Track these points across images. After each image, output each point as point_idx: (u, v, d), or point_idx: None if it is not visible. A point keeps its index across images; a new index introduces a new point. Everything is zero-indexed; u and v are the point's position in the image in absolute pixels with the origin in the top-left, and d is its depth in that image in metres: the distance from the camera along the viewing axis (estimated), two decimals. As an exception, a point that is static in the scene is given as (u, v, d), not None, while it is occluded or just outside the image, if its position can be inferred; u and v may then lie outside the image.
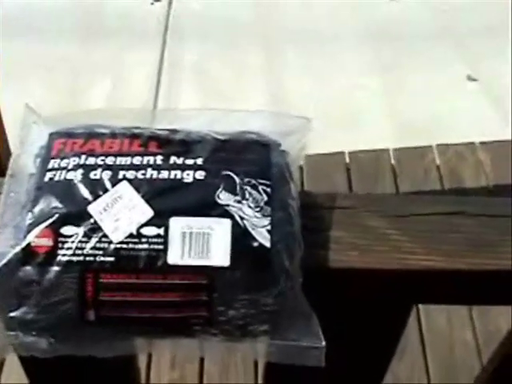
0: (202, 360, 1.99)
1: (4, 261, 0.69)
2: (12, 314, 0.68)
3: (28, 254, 0.68)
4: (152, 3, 3.45)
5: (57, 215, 0.69)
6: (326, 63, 3.09)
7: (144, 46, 3.19)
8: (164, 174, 0.71)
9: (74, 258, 0.67)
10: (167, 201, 0.69)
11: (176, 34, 3.29)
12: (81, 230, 0.68)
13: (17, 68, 2.89)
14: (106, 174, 0.71)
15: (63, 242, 0.68)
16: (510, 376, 0.98)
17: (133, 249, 0.67)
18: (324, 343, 0.69)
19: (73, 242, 0.68)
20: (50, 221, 0.69)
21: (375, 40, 3.21)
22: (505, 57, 2.90)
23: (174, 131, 0.76)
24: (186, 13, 3.41)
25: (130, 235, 0.67)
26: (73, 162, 0.72)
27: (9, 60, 2.70)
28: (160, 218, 0.68)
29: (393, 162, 2.47)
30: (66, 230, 0.68)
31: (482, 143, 2.52)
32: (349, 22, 3.30)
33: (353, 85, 3.00)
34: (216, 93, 2.88)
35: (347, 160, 2.49)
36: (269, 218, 0.69)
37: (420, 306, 2.08)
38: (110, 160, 0.72)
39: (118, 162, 0.72)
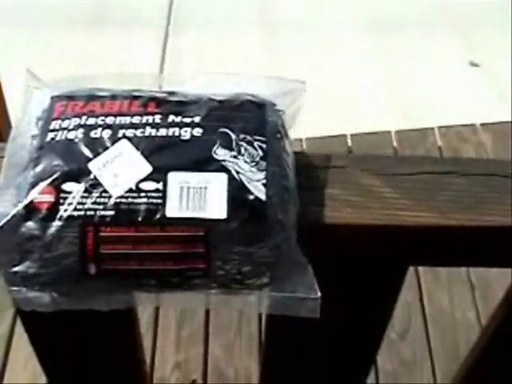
0: (206, 342, 2.01)
1: (7, 218, 0.71)
2: (15, 269, 0.70)
3: (30, 210, 0.70)
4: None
5: (58, 172, 0.71)
6: (327, 49, 3.10)
7: (147, 34, 3.21)
8: (162, 132, 0.73)
9: (75, 213, 0.69)
10: (165, 157, 0.71)
11: (179, 21, 3.30)
12: (81, 186, 0.70)
13: (21, 54, 2.91)
14: (106, 133, 0.73)
15: (64, 198, 0.70)
16: (507, 339, 0.99)
17: (132, 203, 0.69)
18: (319, 294, 0.70)
19: (74, 197, 0.69)
20: (52, 178, 0.71)
21: (377, 27, 3.22)
22: (506, 42, 2.92)
23: (172, 93, 0.78)
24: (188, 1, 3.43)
25: (130, 190, 0.69)
26: (74, 122, 0.74)
27: (14, 46, 2.72)
28: (158, 174, 0.70)
29: (395, 144, 2.49)
30: (68, 186, 0.70)
31: (483, 124, 2.54)
32: (350, 10, 3.31)
33: (354, 70, 3.02)
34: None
35: (349, 143, 2.51)
36: (264, 173, 0.71)
37: (422, 285, 2.10)
38: (109, 120, 0.74)
39: (117, 122, 0.74)
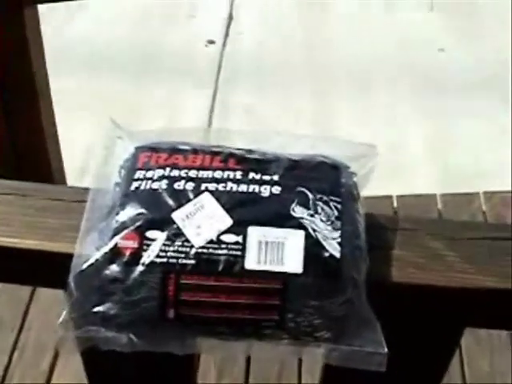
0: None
1: (91, 261, 0.75)
2: (96, 309, 0.74)
3: (115, 253, 0.74)
4: (206, 45, 3.53)
5: (142, 220, 0.75)
6: (375, 110, 3.15)
7: (197, 87, 3.27)
8: (243, 188, 0.77)
9: (158, 260, 0.73)
10: (246, 212, 0.75)
11: (228, 76, 3.36)
12: (164, 235, 0.74)
13: (74, 104, 2.98)
14: (189, 186, 0.77)
15: (148, 245, 0.74)
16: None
17: (213, 253, 0.73)
18: (386, 350, 0.73)
19: (157, 245, 0.73)
20: (136, 225, 0.75)
21: (423, 89, 3.26)
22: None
23: (251, 151, 0.82)
24: (238, 55, 3.49)
25: (211, 241, 0.73)
26: (158, 173, 0.79)
27: (66, 96, 2.78)
28: (239, 227, 0.74)
29: (439, 206, 2.51)
30: (151, 233, 0.74)
31: (528, 190, 2.55)
32: (398, 71, 3.36)
33: (401, 132, 3.05)
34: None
35: (395, 204, 2.53)
36: (339, 231, 0.74)
37: (463, 349, 2.10)
38: (192, 173, 0.78)
39: (200, 175, 0.78)
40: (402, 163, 2.91)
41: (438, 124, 3.13)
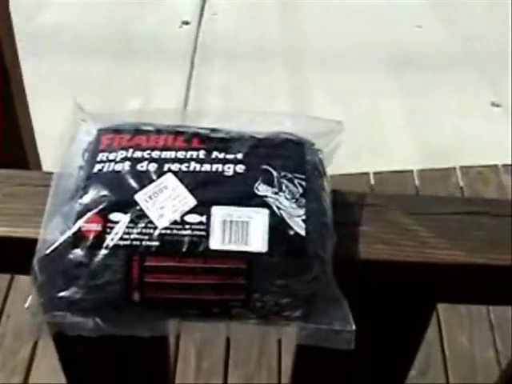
0: (225, 374, 2.02)
1: (55, 245, 0.74)
2: (61, 294, 0.73)
3: (78, 237, 0.73)
4: (181, 26, 3.51)
5: (105, 202, 0.74)
6: (351, 86, 3.14)
7: (173, 67, 3.25)
8: (206, 167, 0.76)
9: (121, 242, 0.72)
10: (209, 191, 0.74)
11: (204, 56, 3.35)
12: (128, 217, 0.73)
13: (46, 86, 2.95)
14: (152, 167, 0.76)
15: (111, 228, 0.72)
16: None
17: (176, 234, 0.72)
18: (354, 327, 0.73)
19: (120, 227, 0.72)
20: (99, 208, 0.74)
21: (400, 65, 3.26)
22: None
23: (215, 130, 0.81)
24: (213, 35, 3.47)
25: (174, 222, 0.72)
26: (120, 155, 0.77)
27: (38, 78, 2.75)
28: (202, 207, 0.73)
29: (417, 183, 2.51)
30: (114, 216, 0.73)
31: (505, 165, 2.55)
32: (375, 47, 3.35)
33: (378, 108, 3.04)
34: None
35: (372, 181, 2.53)
36: (304, 209, 0.74)
37: (442, 324, 2.11)
38: (155, 154, 0.77)
39: (163, 156, 0.77)
40: (379, 139, 2.90)
41: (414, 100, 3.12)
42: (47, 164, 2.08)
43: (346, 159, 2.59)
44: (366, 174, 2.56)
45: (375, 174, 2.56)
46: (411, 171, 2.57)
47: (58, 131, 0.86)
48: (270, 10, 3.62)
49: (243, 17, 3.59)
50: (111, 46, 3.38)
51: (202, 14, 3.60)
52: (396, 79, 3.20)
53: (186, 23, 3.54)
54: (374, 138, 2.88)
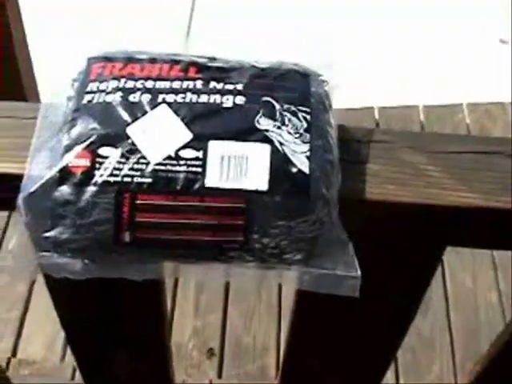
0: (225, 309, 2.00)
1: (40, 182, 0.69)
2: (47, 234, 0.68)
3: (65, 174, 0.67)
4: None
5: (94, 136, 0.68)
6: (355, 28, 3.07)
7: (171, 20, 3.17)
8: (203, 98, 0.70)
9: (111, 179, 0.67)
10: (206, 124, 0.69)
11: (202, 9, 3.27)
12: (118, 151, 0.68)
13: (44, 18, 2.88)
14: (146, 97, 0.71)
15: (100, 163, 0.67)
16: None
17: (171, 171, 0.67)
18: (359, 273, 0.68)
19: (110, 162, 0.67)
20: (88, 142, 0.68)
21: (410, 2, 3.18)
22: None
23: (214, 59, 0.75)
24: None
25: (169, 157, 0.67)
26: (112, 85, 0.72)
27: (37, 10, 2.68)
28: (199, 142, 0.67)
29: (422, 118, 2.46)
30: (104, 150, 0.68)
31: (513, 102, 2.50)
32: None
33: (387, 44, 2.98)
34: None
35: (376, 116, 2.48)
36: (308, 145, 0.68)
37: (445, 265, 2.08)
38: (149, 84, 0.72)
39: (157, 86, 0.71)
40: (384, 75, 2.84)
41: (421, 36, 3.05)
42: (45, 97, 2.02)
43: (352, 93, 2.54)
44: (371, 108, 2.50)
45: (380, 108, 2.50)
46: (417, 107, 2.52)
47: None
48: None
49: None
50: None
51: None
52: (401, 20, 3.13)
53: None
54: (380, 72, 2.82)
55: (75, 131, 0.70)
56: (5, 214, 1.97)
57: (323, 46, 0.80)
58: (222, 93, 0.71)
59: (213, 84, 0.71)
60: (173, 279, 2.04)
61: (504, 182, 0.75)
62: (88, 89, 0.72)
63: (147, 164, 0.67)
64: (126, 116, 0.69)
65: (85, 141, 0.69)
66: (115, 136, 0.68)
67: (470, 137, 0.83)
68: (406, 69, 2.89)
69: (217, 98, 0.70)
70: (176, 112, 0.69)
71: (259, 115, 0.69)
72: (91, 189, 0.67)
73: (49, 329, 1.95)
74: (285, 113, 0.70)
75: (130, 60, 0.74)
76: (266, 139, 0.68)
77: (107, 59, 0.75)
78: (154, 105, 0.70)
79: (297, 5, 3.17)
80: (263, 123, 0.69)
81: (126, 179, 0.67)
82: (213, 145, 0.67)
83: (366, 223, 0.73)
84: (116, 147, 0.68)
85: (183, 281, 2.05)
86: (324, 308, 0.85)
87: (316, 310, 0.87)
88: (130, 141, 0.68)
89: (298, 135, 0.69)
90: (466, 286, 2.09)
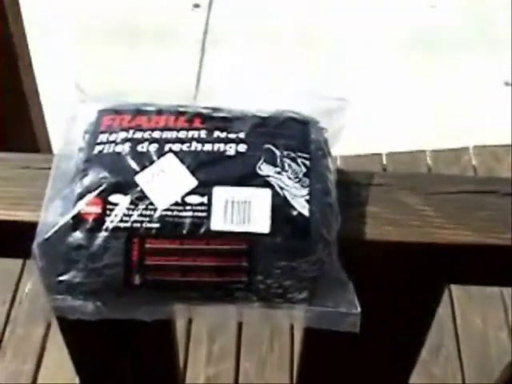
0: (238, 356, 2.02)
1: (54, 229, 0.72)
2: (61, 278, 0.72)
3: (78, 220, 0.71)
4: (192, 9, 3.49)
5: (105, 184, 0.72)
6: (364, 66, 3.12)
7: (184, 50, 3.24)
8: (208, 147, 0.74)
9: (121, 224, 0.70)
10: (211, 172, 0.72)
11: (215, 38, 3.33)
12: (128, 198, 0.71)
13: (59, 64, 2.94)
14: (153, 147, 0.74)
15: (111, 210, 0.71)
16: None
17: (177, 216, 0.70)
18: (359, 310, 0.71)
19: (120, 209, 0.71)
20: (99, 190, 0.72)
21: (414, 45, 3.23)
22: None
23: (217, 109, 0.79)
24: (224, 18, 3.45)
25: (175, 203, 0.71)
26: (121, 136, 0.76)
27: (47, 60, 2.74)
28: (204, 188, 0.71)
29: (429, 162, 2.49)
30: (114, 198, 0.72)
31: (518, 145, 2.53)
32: (389, 28, 3.32)
33: (392, 87, 3.02)
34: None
35: (384, 161, 2.51)
36: (307, 189, 0.72)
37: (455, 304, 2.09)
38: (156, 134, 0.76)
39: (164, 136, 0.75)
40: (392, 119, 2.88)
41: (428, 80, 3.09)
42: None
43: (359, 139, 2.59)
44: (379, 154, 2.54)
45: (388, 154, 2.54)
46: (424, 151, 2.55)
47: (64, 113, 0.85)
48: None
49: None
50: (122, 28, 3.36)
51: (212, -3, 3.58)
52: (408, 59, 3.17)
53: (197, 6, 3.52)
54: (386, 118, 2.86)
55: (87, 180, 0.74)
56: (19, 260, 2.00)
57: (323, 94, 0.84)
58: (226, 141, 0.75)
59: (216, 133, 0.75)
60: (185, 329, 2.06)
61: (499, 219, 0.78)
62: (98, 140, 0.77)
63: (155, 210, 0.71)
64: (134, 165, 0.73)
65: (96, 189, 0.73)
66: (125, 184, 0.72)
67: (465, 177, 0.86)
68: (411, 113, 2.93)
69: (220, 146, 0.74)
70: (182, 160, 0.73)
71: (261, 162, 0.73)
72: (103, 234, 0.71)
73: (62, 382, 1.97)
74: (285, 159, 0.74)
75: (138, 112, 0.78)
76: (268, 184, 0.72)
77: (116, 112, 0.79)
78: (160, 154, 0.74)
79: (298, 55, 3.23)
80: (264, 169, 0.73)
81: (135, 225, 0.70)
82: (217, 191, 0.71)
83: (366, 263, 0.76)
84: (126, 194, 0.72)
85: (196, 330, 2.07)
86: (328, 345, 0.87)
87: (321, 347, 0.90)
88: (138, 188, 0.72)
89: (297, 180, 0.72)
90: (476, 325, 2.10)
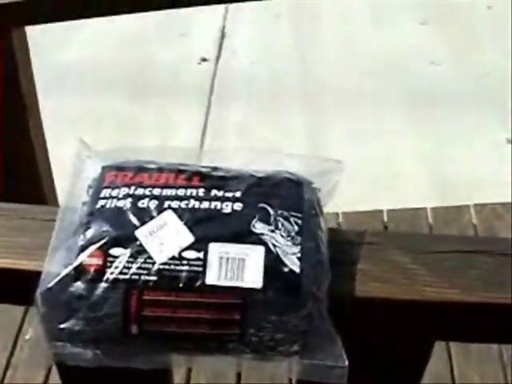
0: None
1: (57, 278, 0.76)
2: (62, 326, 0.75)
3: (80, 271, 0.75)
4: (199, 63, 3.55)
5: (107, 238, 0.76)
6: (365, 123, 3.16)
7: (190, 105, 3.28)
8: (205, 205, 0.78)
9: (121, 276, 0.74)
10: (207, 228, 0.76)
11: (221, 93, 3.38)
12: (128, 252, 0.75)
13: (62, 123, 2.98)
14: (153, 203, 0.78)
15: (112, 262, 0.75)
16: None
17: (174, 270, 0.74)
18: (347, 363, 0.74)
19: (120, 261, 0.75)
20: (101, 242, 0.76)
21: (415, 102, 3.27)
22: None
23: (216, 168, 0.83)
24: (231, 72, 3.51)
25: (173, 257, 0.75)
26: (123, 191, 0.80)
27: (55, 116, 2.78)
28: (200, 244, 0.75)
29: (430, 220, 2.52)
30: (115, 251, 0.75)
31: (519, 203, 2.55)
32: (389, 84, 3.38)
33: (392, 146, 3.07)
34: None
35: (385, 218, 2.54)
36: (299, 247, 0.76)
37: (454, 360, 2.10)
38: (156, 191, 0.80)
39: (163, 193, 0.79)
40: (393, 177, 2.92)
41: (429, 137, 3.14)
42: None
43: (360, 197, 2.62)
44: (380, 211, 2.57)
45: (389, 211, 2.57)
46: (425, 208, 2.58)
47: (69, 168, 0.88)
48: (289, 49, 3.66)
49: (261, 54, 3.63)
50: (128, 81, 3.42)
51: (220, 51, 3.63)
52: (410, 116, 3.22)
53: (204, 60, 3.58)
54: (387, 175, 2.90)
55: (89, 233, 0.77)
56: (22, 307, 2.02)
57: (318, 155, 0.88)
58: (222, 200, 0.79)
59: (214, 192, 0.79)
60: (185, 380, 2.07)
61: (487, 278, 0.81)
62: (101, 195, 0.81)
63: (153, 263, 0.74)
64: (135, 220, 0.77)
65: (98, 242, 0.76)
66: (125, 238, 0.76)
67: (455, 237, 0.89)
68: (411, 171, 2.97)
69: (217, 204, 0.78)
70: (180, 217, 0.77)
71: (255, 220, 0.77)
72: (103, 285, 0.74)
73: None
74: (278, 218, 0.77)
75: (139, 169, 0.83)
76: (261, 242, 0.75)
77: (119, 168, 0.83)
78: (160, 210, 0.78)
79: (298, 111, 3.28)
80: (258, 227, 0.76)
81: (134, 277, 0.74)
82: (213, 247, 0.75)
83: (354, 318, 0.79)
84: (126, 248, 0.75)
85: (195, 380, 2.08)
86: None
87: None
88: (138, 242, 0.76)
89: (290, 238, 0.76)
90: (474, 382, 2.11)
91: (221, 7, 3.77)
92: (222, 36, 3.73)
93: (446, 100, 3.29)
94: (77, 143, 0.88)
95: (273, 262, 0.74)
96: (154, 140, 2.97)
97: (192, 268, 0.74)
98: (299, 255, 0.75)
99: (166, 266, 0.74)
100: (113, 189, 0.80)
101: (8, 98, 1.80)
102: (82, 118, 3.13)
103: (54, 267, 0.77)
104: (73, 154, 0.88)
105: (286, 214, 0.78)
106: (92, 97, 3.29)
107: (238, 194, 0.79)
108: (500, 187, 2.70)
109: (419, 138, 3.13)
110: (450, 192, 2.78)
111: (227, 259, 0.74)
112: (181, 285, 0.73)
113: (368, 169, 2.83)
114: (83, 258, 0.75)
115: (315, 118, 3.23)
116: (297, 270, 0.74)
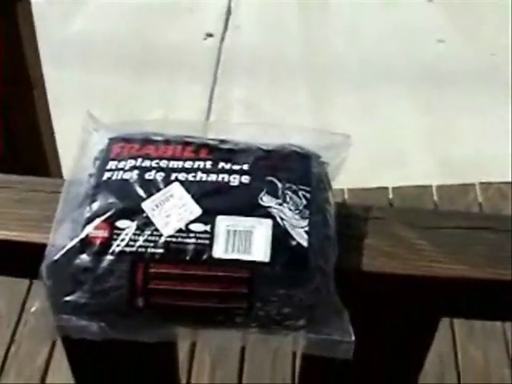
0: (240, 383, 2.03)
1: (63, 251, 0.75)
2: (67, 299, 0.75)
3: (85, 243, 0.74)
4: (205, 38, 3.53)
5: (113, 210, 0.76)
6: (372, 101, 3.15)
7: (195, 80, 3.27)
8: (212, 177, 0.77)
9: (127, 249, 0.73)
10: (214, 201, 0.76)
11: (227, 69, 3.37)
12: (134, 224, 0.74)
13: (68, 96, 2.97)
14: (160, 176, 0.78)
15: (118, 234, 0.74)
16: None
17: (181, 242, 0.73)
18: (353, 338, 0.74)
19: (126, 234, 0.74)
20: (107, 215, 0.75)
21: (422, 80, 3.26)
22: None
23: (223, 141, 0.83)
24: (237, 48, 3.49)
25: (180, 230, 0.74)
26: (129, 163, 0.79)
27: (61, 88, 2.77)
28: (207, 216, 0.74)
29: (435, 198, 2.51)
30: (121, 223, 0.75)
31: (525, 182, 2.54)
32: (396, 62, 3.36)
33: (399, 124, 3.05)
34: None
35: (390, 195, 2.53)
36: (307, 220, 0.75)
37: (457, 339, 2.10)
38: (163, 163, 0.79)
39: (170, 165, 0.79)
40: (399, 154, 2.91)
41: (435, 115, 3.12)
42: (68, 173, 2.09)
43: (366, 173, 2.61)
44: (385, 188, 2.56)
45: (394, 188, 2.56)
46: (430, 186, 2.57)
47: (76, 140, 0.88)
48: (294, 25, 3.64)
49: (267, 30, 3.61)
50: (134, 57, 3.41)
51: (226, 27, 3.62)
52: (417, 93, 3.20)
53: (210, 35, 3.57)
54: (394, 153, 2.89)
55: (95, 205, 0.77)
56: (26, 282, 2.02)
57: (326, 129, 0.87)
58: (230, 172, 0.78)
59: (221, 164, 0.79)
60: (188, 356, 2.08)
61: (491, 255, 0.81)
62: (108, 167, 0.80)
63: (160, 236, 0.74)
64: (141, 192, 0.77)
65: (104, 214, 0.76)
66: (132, 210, 0.75)
67: (460, 213, 0.89)
68: (418, 149, 2.96)
69: (225, 177, 0.78)
70: (187, 189, 0.77)
71: (263, 193, 0.76)
72: (109, 258, 0.74)
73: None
74: (286, 191, 0.77)
75: (146, 141, 0.82)
76: (269, 215, 0.75)
77: (126, 140, 0.83)
78: (167, 182, 0.77)
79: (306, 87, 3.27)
80: (266, 200, 0.76)
81: (140, 250, 0.73)
82: (220, 219, 0.74)
83: (361, 293, 0.79)
84: (132, 220, 0.75)
85: (199, 356, 2.09)
86: (324, 371, 0.90)
87: (317, 372, 0.92)
88: (144, 215, 0.75)
89: (298, 212, 0.75)
90: (477, 362, 2.11)
91: (227, -17, 3.76)
92: (228, 11, 3.70)
93: (453, 78, 3.27)
94: (83, 115, 0.87)
95: (280, 236, 0.73)
96: (158, 114, 2.96)
97: (199, 241, 0.73)
98: (307, 229, 0.74)
99: (173, 239, 0.73)
100: (119, 161, 0.80)
101: (13, 70, 1.79)
102: (85, 92, 3.12)
103: (59, 240, 0.77)
104: (79, 126, 0.87)
105: (294, 187, 0.77)
106: (95, 71, 3.28)
107: (245, 167, 0.78)
108: (506, 166, 2.69)
109: (426, 116, 3.11)
110: (456, 170, 2.77)
111: (234, 232, 0.73)
112: (187, 258, 0.73)
113: (373, 146, 2.81)
114: (89, 230, 0.75)
115: (321, 94, 3.22)
116: (304, 243, 0.73)
